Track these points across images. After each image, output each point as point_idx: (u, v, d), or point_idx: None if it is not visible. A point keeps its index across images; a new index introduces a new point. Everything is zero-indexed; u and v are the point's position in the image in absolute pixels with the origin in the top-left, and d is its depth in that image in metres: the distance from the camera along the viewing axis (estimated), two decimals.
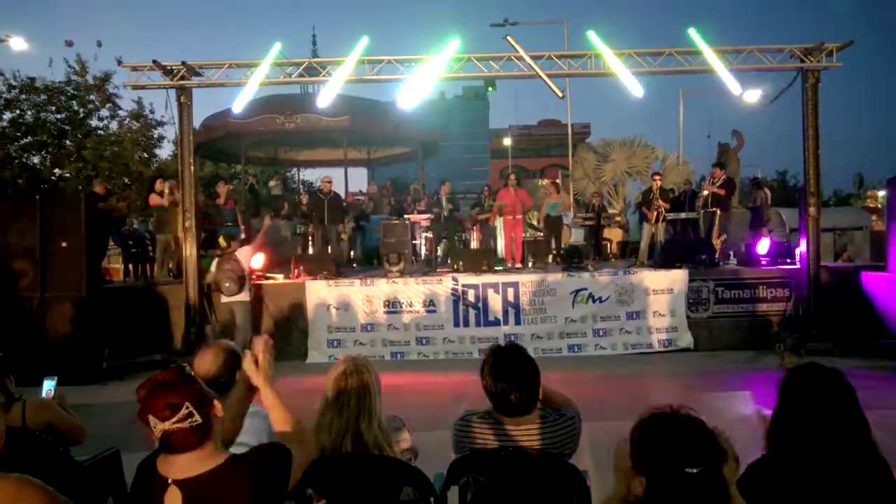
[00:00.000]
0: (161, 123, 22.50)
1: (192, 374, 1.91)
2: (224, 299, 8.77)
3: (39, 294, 8.49)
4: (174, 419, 1.77)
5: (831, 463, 1.90)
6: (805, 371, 2.05)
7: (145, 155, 22.76)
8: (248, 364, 2.22)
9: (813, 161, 9.51)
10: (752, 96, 20.40)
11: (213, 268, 8.84)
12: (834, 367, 2.06)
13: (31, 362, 7.86)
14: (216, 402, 1.88)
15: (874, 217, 15.96)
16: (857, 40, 9.41)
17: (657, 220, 11.64)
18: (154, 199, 11.10)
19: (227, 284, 8.54)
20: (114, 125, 22.52)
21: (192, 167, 9.68)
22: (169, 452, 1.83)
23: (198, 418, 1.79)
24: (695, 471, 1.62)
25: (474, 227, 13.21)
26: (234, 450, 2.09)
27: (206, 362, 2.51)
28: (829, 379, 2.01)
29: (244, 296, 8.72)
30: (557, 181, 17.51)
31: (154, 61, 9.34)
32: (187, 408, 1.78)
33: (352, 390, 2.38)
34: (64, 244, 8.54)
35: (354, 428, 2.33)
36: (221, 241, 9.05)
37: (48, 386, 3.10)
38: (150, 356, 9.22)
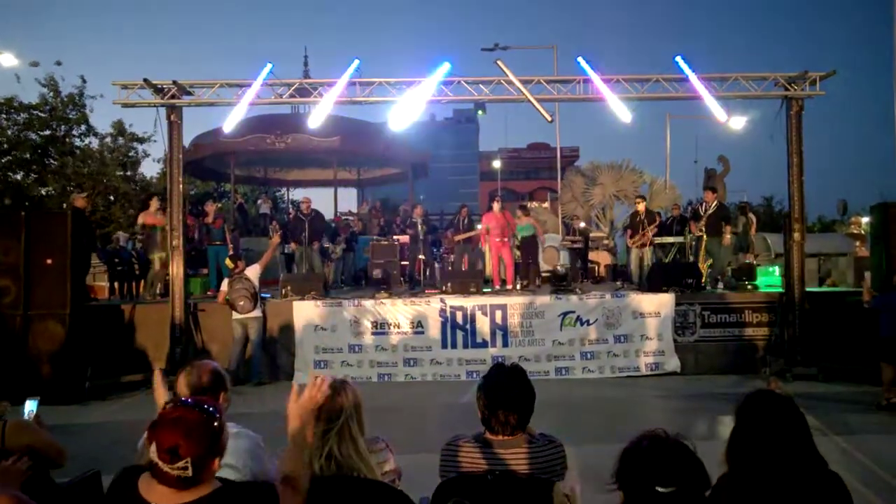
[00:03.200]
0: (142, 140, 22.57)
1: (220, 424, 1.83)
2: (237, 316, 9.14)
3: (22, 311, 8.38)
4: (170, 465, 1.72)
5: (785, 479, 2.03)
6: (758, 397, 2.20)
7: (127, 173, 22.77)
8: (293, 393, 2.13)
9: (797, 187, 9.65)
10: (737, 123, 20.77)
11: (224, 287, 9.25)
12: (787, 394, 2.23)
13: (13, 381, 7.80)
14: (217, 461, 1.83)
15: (858, 243, 16.17)
16: (841, 69, 9.64)
17: (645, 245, 11.73)
18: (148, 218, 11.05)
19: (241, 303, 9.03)
20: (94, 143, 22.57)
21: (180, 186, 9.66)
22: (154, 479, 1.80)
23: (189, 473, 1.74)
24: (664, 490, 1.65)
25: (452, 249, 13.23)
26: (220, 472, 2.07)
27: (190, 382, 2.48)
28: (780, 405, 2.14)
29: (257, 312, 9.23)
30: (526, 204, 17.54)
31: (145, 80, 9.36)
32: (186, 462, 1.72)
33: (326, 411, 2.36)
34: (49, 261, 8.46)
35: (327, 449, 2.31)
36: (229, 262, 9.47)
37: (30, 406, 3.05)
38: (134, 376, 9.13)
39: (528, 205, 24.11)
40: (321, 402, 2.13)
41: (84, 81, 21.50)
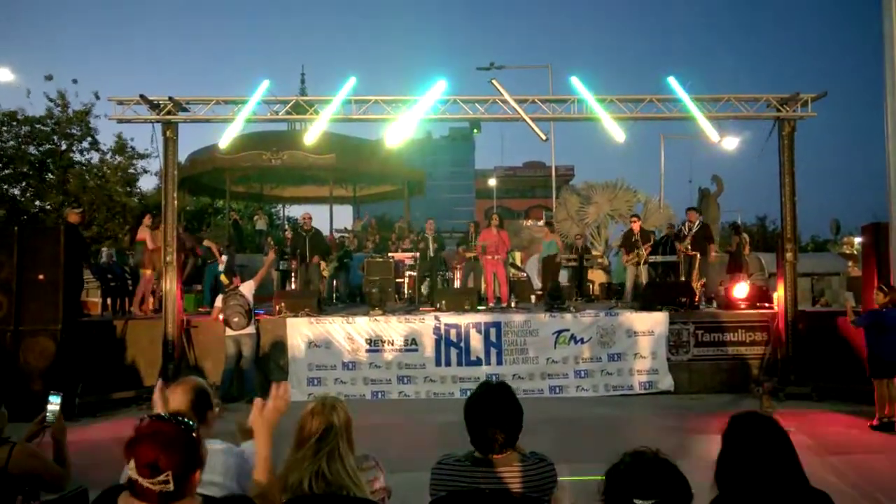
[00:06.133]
0: (144, 156, 22.61)
1: (197, 436, 1.83)
2: (231, 333, 9.09)
3: (14, 327, 8.33)
4: (150, 479, 1.70)
5: (776, 500, 2.05)
6: (743, 419, 2.22)
7: (127, 188, 22.76)
8: (256, 407, 2.26)
9: (789, 207, 9.72)
10: (730, 143, 20.95)
11: (218, 303, 9.26)
12: (770, 415, 2.27)
13: (3, 397, 7.72)
14: (198, 473, 1.83)
15: (850, 263, 16.28)
16: (833, 89, 9.77)
17: (640, 263, 11.77)
18: (142, 234, 11.02)
19: (235, 319, 9.01)
20: (95, 158, 22.58)
21: (175, 202, 9.66)
22: (133, 497, 1.77)
23: (171, 487, 1.72)
24: (643, 503, 1.65)
25: (460, 265, 13.21)
26: (205, 489, 2.05)
27: (174, 399, 2.47)
28: (764, 426, 2.16)
29: (251, 328, 9.20)
30: (552, 221, 17.69)
31: (141, 95, 9.40)
32: (167, 476, 1.71)
33: (316, 430, 2.37)
34: (41, 277, 8.43)
35: (317, 467, 2.30)
36: (223, 278, 9.51)
37: (55, 403, 3.08)
38: (125, 392, 9.05)
39: (527, 222, 24.21)
40: (283, 409, 2.22)
41: (98, 98, 21.60)
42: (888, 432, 7.03)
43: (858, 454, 6.25)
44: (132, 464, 1.72)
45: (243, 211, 24.81)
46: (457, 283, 13.13)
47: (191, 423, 1.84)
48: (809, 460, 2.16)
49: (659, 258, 12.21)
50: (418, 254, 12.98)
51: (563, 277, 14.46)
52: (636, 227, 12.10)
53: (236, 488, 2.32)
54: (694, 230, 11.42)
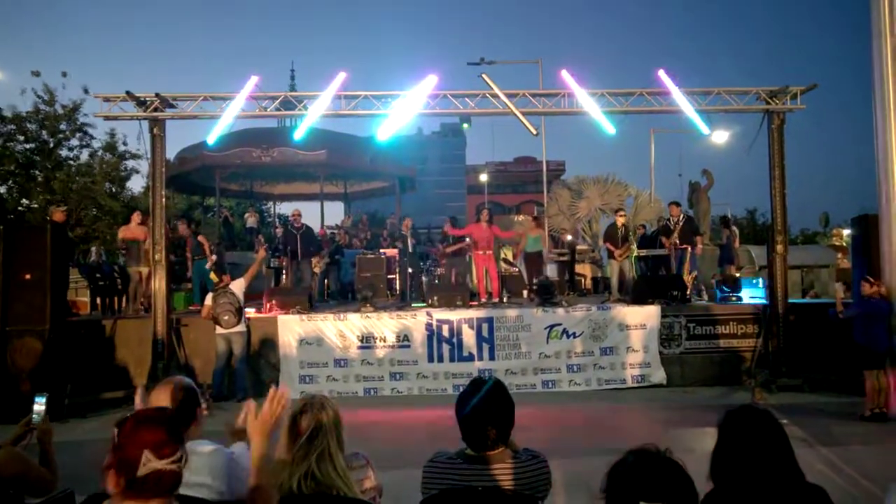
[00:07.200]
0: (136, 156, 22.38)
1: (175, 417, 1.85)
2: (221, 331, 8.99)
3: (0, 327, 8.23)
4: (172, 458, 1.67)
5: (771, 495, 2.03)
6: (739, 413, 2.19)
7: (114, 189, 22.52)
8: (249, 411, 2.23)
9: (780, 200, 9.74)
10: (721, 137, 21.02)
11: (208, 301, 9.12)
12: (766, 408, 2.25)
13: None
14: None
15: (840, 255, 16.38)
16: (822, 82, 9.81)
17: (626, 257, 11.77)
18: (129, 231, 10.92)
19: (226, 317, 8.90)
20: (84, 155, 22.33)
21: (163, 199, 9.57)
22: (140, 497, 1.68)
23: (183, 464, 1.72)
24: None
25: (442, 261, 13.19)
26: (194, 491, 2.01)
27: (161, 399, 2.42)
28: (761, 420, 2.14)
29: (242, 327, 9.11)
30: (538, 216, 17.67)
31: (127, 92, 9.29)
32: (180, 453, 1.70)
33: (305, 429, 2.33)
34: (28, 276, 8.33)
35: (307, 467, 2.27)
36: (213, 276, 9.45)
37: (40, 405, 3.03)
38: (115, 392, 8.97)
39: (518, 217, 24.20)
40: (281, 415, 2.19)
41: (87, 93, 21.24)
42: (880, 423, 7.07)
43: (851, 445, 6.27)
44: (146, 456, 1.64)
45: (234, 208, 24.66)
46: (441, 279, 13.09)
47: (165, 408, 1.82)
48: (802, 452, 2.14)
49: (645, 251, 12.22)
50: (397, 251, 12.99)
51: (553, 272, 14.48)
52: (620, 221, 12.09)
53: (226, 490, 2.27)
54: (680, 224, 11.42)
